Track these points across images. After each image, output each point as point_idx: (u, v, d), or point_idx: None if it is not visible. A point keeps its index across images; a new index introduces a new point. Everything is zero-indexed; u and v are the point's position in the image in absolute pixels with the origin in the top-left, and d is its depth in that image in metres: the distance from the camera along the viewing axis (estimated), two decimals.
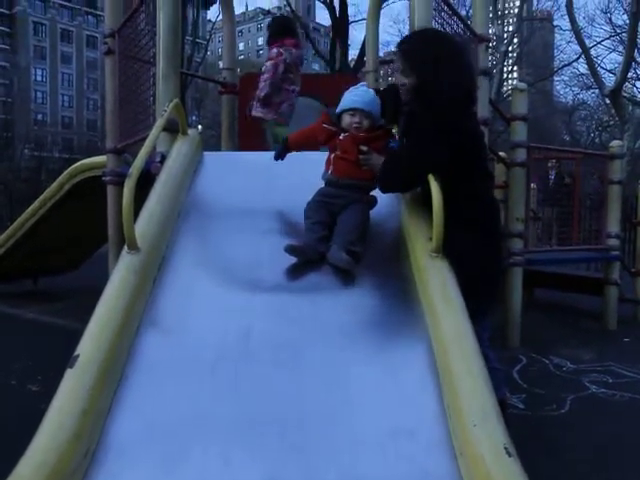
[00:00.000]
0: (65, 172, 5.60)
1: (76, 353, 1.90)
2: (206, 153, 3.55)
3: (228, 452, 1.71)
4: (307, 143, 2.94)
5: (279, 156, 2.99)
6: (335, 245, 2.50)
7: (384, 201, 2.84)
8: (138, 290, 2.27)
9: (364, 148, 2.70)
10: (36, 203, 5.86)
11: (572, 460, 2.74)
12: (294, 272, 2.57)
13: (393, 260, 2.66)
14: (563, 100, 33.03)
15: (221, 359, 2.07)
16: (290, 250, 2.51)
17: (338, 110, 2.78)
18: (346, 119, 2.73)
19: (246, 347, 2.13)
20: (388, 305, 2.43)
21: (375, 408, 1.87)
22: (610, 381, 3.97)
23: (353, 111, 2.71)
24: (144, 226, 2.54)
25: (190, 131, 3.52)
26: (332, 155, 2.76)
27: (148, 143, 2.74)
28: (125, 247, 2.40)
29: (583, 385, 3.85)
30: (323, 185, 2.79)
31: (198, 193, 3.13)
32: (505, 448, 1.57)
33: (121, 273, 2.28)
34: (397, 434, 1.78)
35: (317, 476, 1.66)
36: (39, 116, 50.74)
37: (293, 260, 2.59)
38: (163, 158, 3.36)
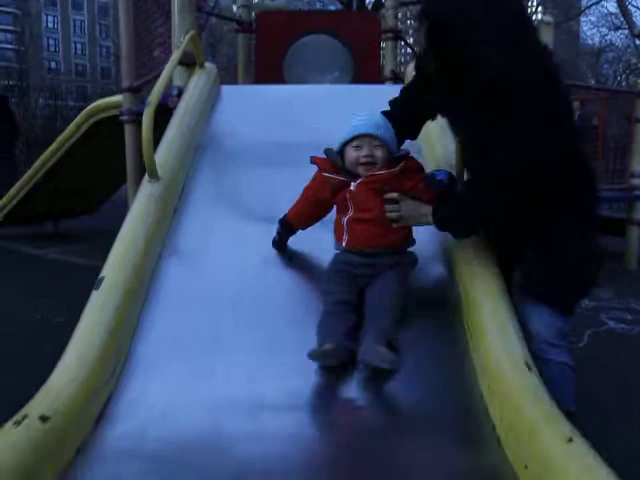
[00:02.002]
0: (82, 113, 5.58)
1: (101, 275, 1.94)
2: (224, 86, 3.50)
3: (251, 371, 1.75)
4: (312, 211, 2.09)
5: (280, 243, 2.18)
6: (369, 337, 1.74)
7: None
8: (159, 217, 2.28)
9: (391, 196, 1.91)
10: (54, 145, 5.86)
11: (589, 391, 2.77)
12: None
13: None
14: (589, 42, 31.90)
15: (241, 287, 2.09)
16: (317, 356, 1.71)
17: (337, 145, 1.97)
18: (350, 155, 1.91)
19: (265, 274, 2.15)
20: None
21: None
22: (629, 317, 3.98)
23: (357, 141, 1.90)
24: (164, 156, 2.54)
25: (207, 64, 3.47)
26: (344, 218, 1.91)
27: (165, 75, 2.71)
28: (146, 176, 2.41)
29: (601, 321, 3.86)
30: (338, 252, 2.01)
31: (216, 126, 3.11)
32: (525, 363, 1.58)
33: (142, 200, 2.30)
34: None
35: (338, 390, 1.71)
36: (52, 64, 50.29)
37: None
38: (180, 92, 3.33)
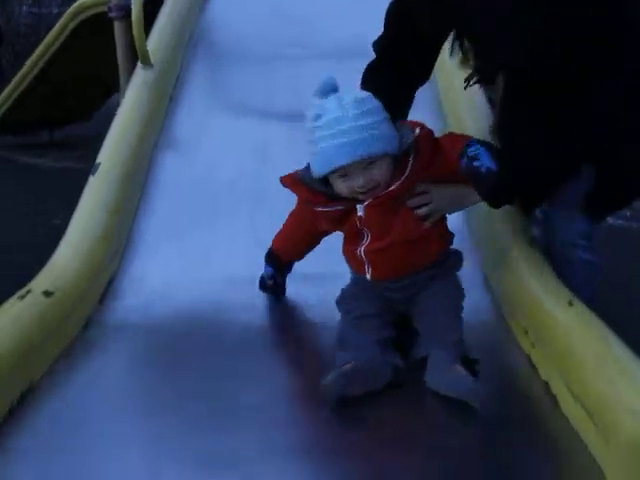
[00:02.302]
0: (67, 12, 5.33)
1: (97, 161, 1.91)
2: None
3: (250, 249, 1.75)
4: (306, 244, 1.58)
5: (274, 287, 1.63)
6: (437, 353, 1.29)
7: None
8: (154, 105, 2.23)
9: (421, 189, 1.40)
10: (41, 47, 5.64)
11: None
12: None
13: None
14: None
15: (237, 176, 2.06)
16: (336, 382, 1.22)
17: (316, 173, 1.34)
18: (339, 186, 1.33)
19: (262, 165, 2.10)
20: None
21: None
22: (628, 214, 3.97)
23: (342, 171, 1.30)
24: (155, 43, 2.46)
25: None
26: (360, 249, 1.38)
27: None
28: (138, 63, 2.33)
29: None
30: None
31: (210, 18, 2.98)
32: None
33: (136, 87, 2.24)
34: None
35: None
36: None
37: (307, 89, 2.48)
38: None
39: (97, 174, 1.85)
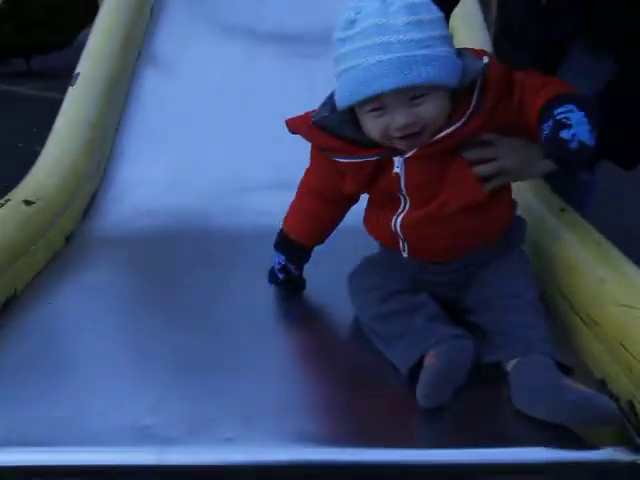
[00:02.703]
0: None
1: (76, 72, 1.82)
2: None
3: (240, 158, 1.70)
4: (325, 222, 1.20)
5: (290, 281, 1.25)
6: (527, 360, 0.92)
7: None
8: (134, 17, 2.12)
9: (487, 138, 1.04)
10: None
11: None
12: (301, 20, 2.35)
13: None
14: None
15: (222, 91, 1.97)
16: (433, 385, 0.90)
17: (341, 102, 1.00)
18: (369, 125, 0.99)
19: (249, 81, 2.02)
20: None
21: None
22: None
23: (375, 104, 0.96)
24: None
25: None
26: (395, 219, 1.05)
27: None
28: None
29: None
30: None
31: None
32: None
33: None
34: None
35: None
36: None
37: (300, 10, 2.37)
38: None
39: (77, 85, 1.77)
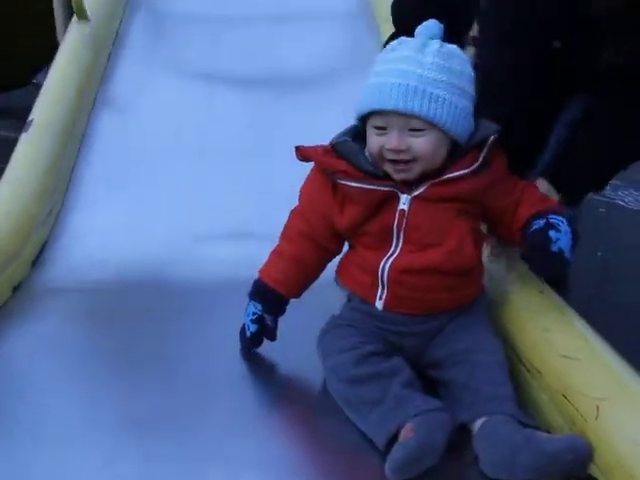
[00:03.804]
0: None
1: (30, 118, 1.81)
2: None
3: (192, 207, 1.70)
4: (317, 257, 1.15)
5: (264, 333, 1.17)
6: (497, 419, 0.94)
7: None
8: (92, 60, 2.13)
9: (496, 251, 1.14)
10: None
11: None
12: (258, 63, 2.40)
13: None
14: None
15: (179, 136, 1.97)
16: (401, 463, 0.88)
17: (357, 111, 1.08)
18: (371, 141, 1.05)
19: (204, 128, 2.03)
20: None
21: None
22: None
23: (378, 119, 1.04)
24: None
25: None
26: (384, 261, 1.05)
27: None
28: (74, 17, 2.22)
29: (616, 197, 3.82)
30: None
31: None
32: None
33: (72, 42, 2.13)
34: None
35: None
36: None
37: (252, 49, 2.42)
38: None
39: (30, 131, 1.75)
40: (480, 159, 1.04)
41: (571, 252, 1.03)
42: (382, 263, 1.03)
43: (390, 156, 1.01)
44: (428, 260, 1.02)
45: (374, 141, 1.03)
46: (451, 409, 0.96)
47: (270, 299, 1.13)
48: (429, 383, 1.06)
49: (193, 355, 1.22)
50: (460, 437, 0.95)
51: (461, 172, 1.03)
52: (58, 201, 1.70)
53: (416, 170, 1.02)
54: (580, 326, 1.08)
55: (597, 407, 0.90)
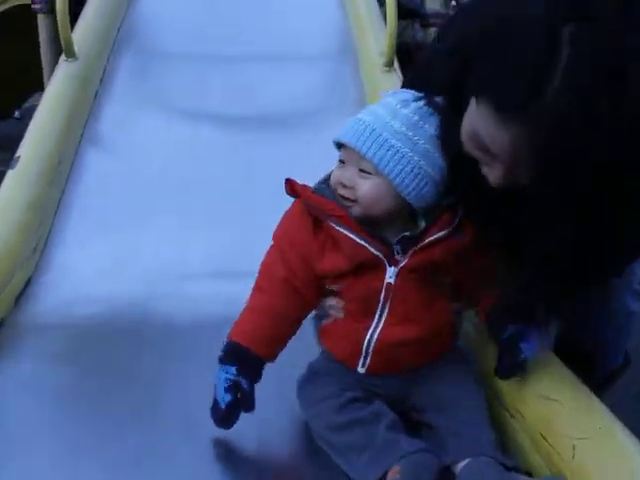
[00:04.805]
0: None
1: (17, 155, 1.83)
2: None
3: (180, 245, 1.71)
4: (285, 313, 1.08)
5: (241, 403, 1.05)
6: (479, 461, 0.96)
7: None
8: (79, 98, 2.15)
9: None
10: None
11: None
12: (241, 102, 2.45)
13: None
14: None
15: (165, 176, 1.99)
16: None
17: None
18: (334, 173, 1.05)
19: (191, 167, 2.06)
20: None
21: None
22: None
23: (342, 151, 1.05)
24: (81, 35, 2.38)
25: None
26: (367, 334, 1.04)
27: None
28: (62, 55, 2.25)
29: None
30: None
31: (141, 10, 2.91)
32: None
33: (59, 80, 2.15)
34: None
35: None
36: None
37: (239, 89, 2.48)
38: None
39: (16, 168, 1.77)
40: (455, 222, 1.02)
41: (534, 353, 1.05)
42: (367, 336, 1.02)
43: (338, 189, 1.01)
44: (410, 334, 1.03)
45: (335, 172, 1.03)
46: (435, 451, 0.98)
47: (244, 359, 1.03)
48: (411, 423, 1.08)
49: (176, 394, 1.22)
50: (444, 478, 0.96)
51: (439, 235, 1.00)
52: (43, 237, 1.70)
53: (356, 211, 1.01)
54: (560, 368, 1.11)
55: (573, 446, 0.92)
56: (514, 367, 1.04)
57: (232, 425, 1.03)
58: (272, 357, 1.07)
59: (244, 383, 1.01)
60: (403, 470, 0.91)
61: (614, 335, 1.43)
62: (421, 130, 0.99)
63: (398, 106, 1.00)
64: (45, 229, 1.72)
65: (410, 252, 1.00)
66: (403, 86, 1.26)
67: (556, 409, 1.01)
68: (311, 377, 1.10)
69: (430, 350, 1.07)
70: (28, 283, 1.60)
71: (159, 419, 1.15)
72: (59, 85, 2.12)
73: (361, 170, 0.99)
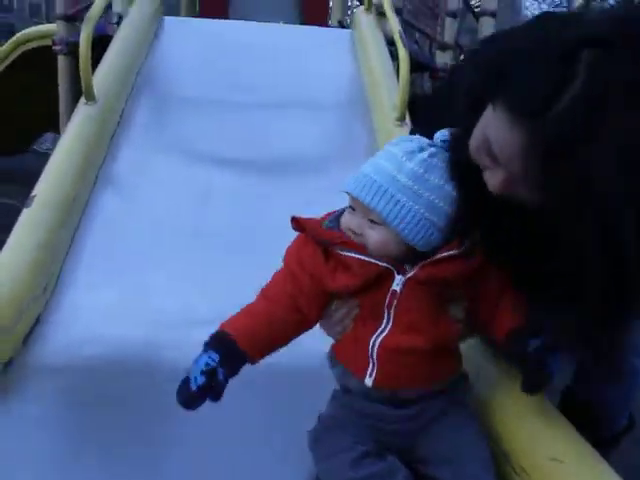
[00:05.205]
0: (10, 41, 5.23)
1: (33, 194, 1.86)
2: (166, 18, 3.37)
3: (186, 290, 1.73)
4: (279, 326, 1.10)
5: (210, 388, 1.03)
6: None
7: None
8: (96, 140, 2.20)
9: (462, 305, 1.12)
10: None
11: None
12: (256, 148, 2.50)
13: None
14: (529, 14, 32.49)
15: (178, 218, 2.04)
16: None
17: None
18: (344, 218, 1.09)
19: (204, 209, 2.10)
20: None
21: None
22: None
23: (352, 200, 1.07)
24: (102, 78, 2.45)
25: None
26: (373, 338, 1.07)
27: None
28: (82, 98, 2.31)
29: None
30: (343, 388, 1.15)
31: (159, 57, 3.00)
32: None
33: (78, 122, 2.21)
34: None
35: None
36: None
37: (253, 135, 2.53)
38: (120, 20, 3.18)
39: (32, 207, 1.80)
40: (465, 244, 1.05)
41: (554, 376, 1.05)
42: (372, 339, 1.05)
43: (350, 234, 1.05)
44: (413, 343, 1.05)
45: (345, 217, 1.07)
46: None
47: (229, 350, 1.05)
48: (418, 477, 1.07)
49: (183, 439, 1.22)
50: None
51: (450, 252, 1.04)
52: (53, 277, 1.72)
53: (372, 252, 1.05)
54: (566, 427, 1.10)
55: None
56: (541, 380, 1.05)
57: (194, 408, 1.02)
58: (255, 359, 1.08)
59: (221, 373, 1.02)
60: None
61: (619, 396, 1.43)
62: (426, 183, 1.02)
63: (403, 159, 1.03)
64: (56, 269, 1.74)
65: (419, 265, 1.04)
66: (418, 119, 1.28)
67: (561, 469, 1.00)
68: (323, 431, 1.11)
69: (436, 369, 1.09)
70: (37, 322, 1.60)
71: (165, 463, 1.14)
72: (78, 127, 2.17)
73: (370, 220, 1.04)
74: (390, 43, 3.04)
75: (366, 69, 2.91)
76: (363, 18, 3.39)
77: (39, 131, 6.78)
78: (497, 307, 1.11)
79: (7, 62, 5.21)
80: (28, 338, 1.56)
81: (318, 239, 1.07)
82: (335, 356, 1.12)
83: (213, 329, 1.56)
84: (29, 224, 1.75)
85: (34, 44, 4.94)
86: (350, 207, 1.06)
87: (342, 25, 5.08)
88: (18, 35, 5.18)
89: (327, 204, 2.02)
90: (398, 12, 3.32)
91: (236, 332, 1.06)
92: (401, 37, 2.60)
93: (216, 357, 1.03)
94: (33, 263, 1.64)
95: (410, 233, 1.02)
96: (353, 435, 1.07)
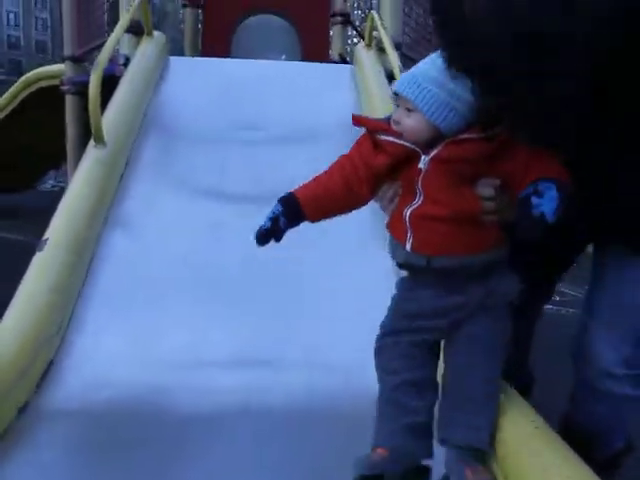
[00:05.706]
0: (19, 81, 5.35)
1: (45, 237, 1.90)
2: (172, 57, 3.45)
3: (196, 332, 1.74)
4: (345, 195, 1.30)
5: (273, 233, 1.28)
6: (453, 454, 1.24)
7: None
8: (105, 183, 2.25)
9: (494, 184, 1.24)
10: None
11: None
12: (260, 183, 2.54)
13: None
14: None
15: (187, 257, 2.07)
16: (361, 469, 1.19)
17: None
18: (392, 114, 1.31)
19: (214, 246, 2.13)
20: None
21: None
22: (557, 299, 4.19)
23: (397, 97, 1.28)
24: (111, 120, 2.50)
25: (155, 33, 3.40)
26: (407, 210, 1.26)
27: (112, 38, 2.66)
28: (91, 141, 2.36)
29: None
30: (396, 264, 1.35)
31: (165, 97, 3.07)
32: None
33: (88, 165, 2.25)
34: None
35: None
36: None
37: (259, 171, 2.57)
38: (127, 61, 3.26)
39: (44, 251, 1.83)
40: (487, 130, 1.20)
41: (554, 215, 1.14)
42: (407, 210, 1.26)
43: (393, 125, 1.26)
44: (437, 212, 1.23)
45: (392, 112, 1.29)
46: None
47: (290, 205, 1.29)
48: None
49: None
50: None
51: (472, 135, 1.21)
52: (65, 320, 1.75)
53: (408, 139, 1.26)
54: (563, 449, 1.12)
55: None
56: (528, 222, 1.16)
57: (263, 244, 1.28)
58: (311, 218, 1.31)
59: (282, 222, 1.28)
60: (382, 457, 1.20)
61: (609, 413, 1.48)
62: (454, 78, 1.19)
63: (437, 59, 1.21)
64: (67, 312, 1.77)
65: (443, 144, 1.23)
66: None
67: None
68: (386, 338, 1.32)
69: (465, 239, 1.25)
70: (50, 366, 1.63)
71: None
72: (87, 171, 2.22)
73: (407, 109, 1.24)
74: (391, 77, 3.10)
75: (368, 104, 2.97)
76: (364, 54, 3.47)
77: (46, 169, 6.88)
78: (524, 181, 1.21)
79: (17, 101, 5.32)
80: (42, 382, 1.58)
81: (368, 127, 1.31)
82: (390, 232, 1.33)
83: (224, 370, 1.61)
84: (42, 268, 1.78)
85: (43, 83, 5.06)
86: (396, 104, 1.28)
87: (343, 57, 5.17)
88: (28, 75, 5.30)
89: (334, 239, 2.06)
90: (397, 47, 3.39)
91: (299, 194, 1.30)
92: (401, 72, 2.66)
93: (280, 208, 1.28)
94: (46, 307, 1.68)
95: (433, 114, 1.22)
96: (406, 348, 1.29)
